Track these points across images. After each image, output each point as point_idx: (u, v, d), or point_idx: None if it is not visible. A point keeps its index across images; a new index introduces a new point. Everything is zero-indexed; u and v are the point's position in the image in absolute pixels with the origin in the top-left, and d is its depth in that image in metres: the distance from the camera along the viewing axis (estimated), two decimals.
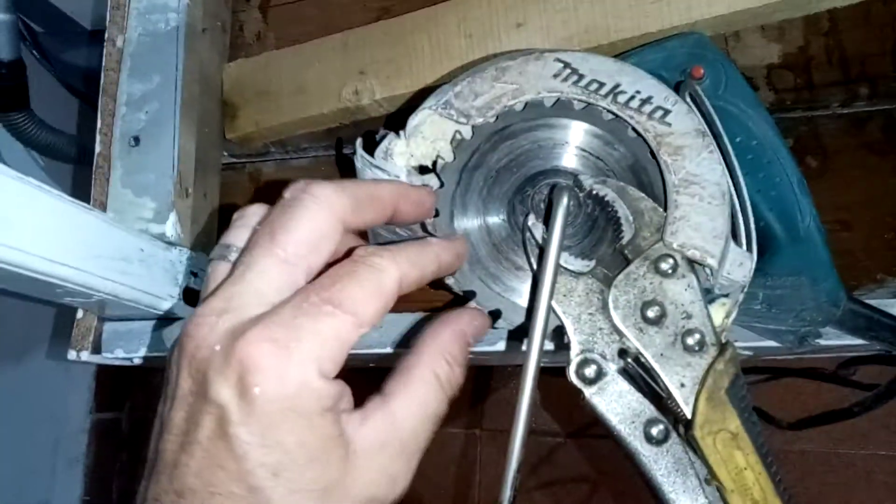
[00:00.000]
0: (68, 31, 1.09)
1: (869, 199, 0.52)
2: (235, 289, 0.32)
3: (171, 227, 0.54)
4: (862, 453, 1.27)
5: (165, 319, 0.55)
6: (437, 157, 0.41)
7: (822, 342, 0.46)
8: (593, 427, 1.38)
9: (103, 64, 0.59)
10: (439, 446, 1.49)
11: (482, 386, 1.48)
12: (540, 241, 0.38)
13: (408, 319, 0.52)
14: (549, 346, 0.39)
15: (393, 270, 0.32)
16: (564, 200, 0.36)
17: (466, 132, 0.40)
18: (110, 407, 1.57)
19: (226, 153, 0.64)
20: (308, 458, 0.30)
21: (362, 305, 0.31)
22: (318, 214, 0.32)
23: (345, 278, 0.32)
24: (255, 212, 0.35)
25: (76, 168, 1.16)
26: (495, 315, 0.40)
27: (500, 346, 0.49)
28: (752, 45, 0.56)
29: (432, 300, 0.55)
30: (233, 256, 0.34)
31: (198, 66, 0.59)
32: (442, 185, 0.40)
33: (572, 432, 1.39)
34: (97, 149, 0.57)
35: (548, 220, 0.38)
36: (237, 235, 0.34)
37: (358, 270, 0.32)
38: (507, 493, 0.34)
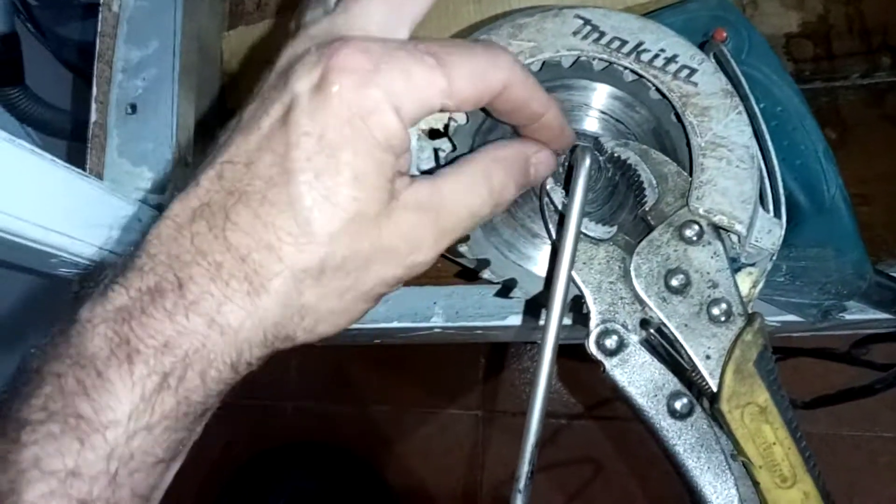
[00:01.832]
0: (63, 4, 1.06)
1: (889, 173, 0.50)
2: (339, 20, 0.31)
3: (169, 198, 0.52)
4: (867, 435, 1.27)
5: None
6: (450, 119, 0.39)
7: (846, 316, 0.45)
8: (597, 408, 1.37)
9: (99, 29, 0.57)
10: (443, 428, 1.49)
11: (485, 368, 1.47)
12: (559, 206, 0.36)
13: (415, 294, 0.51)
14: (566, 319, 0.37)
15: (507, 69, 0.32)
16: (586, 163, 0.35)
17: None
18: None
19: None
20: (353, 177, 0.29)
21: (460, 79, 0.30)
22: None
23: (460, 46, 0.31)
24: None
25: (70, 144, 1.14)
26: (510, 285, 0.38)
27: (513, 320, 0.47)
28: (770, 14, 0.55)
29: (439, 275, 0.53)
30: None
31: (196, 33, 0.57)
32: (455, 148, 0.38)
33: (576, 414, 1.39)
34: (92, 117, 0.55)
35: (567, 185, 0.36)
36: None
37: (476, 48, 0.32)
38: (525, 468, 0.32)
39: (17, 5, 1.04)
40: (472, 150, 0.39)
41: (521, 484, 0.32)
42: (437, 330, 0.51)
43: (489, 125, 0.39)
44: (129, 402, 0.27)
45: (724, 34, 0.44)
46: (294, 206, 0.28)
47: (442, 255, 0.49)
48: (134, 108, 0.55)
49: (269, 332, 0.29)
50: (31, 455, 0.26)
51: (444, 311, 0.50)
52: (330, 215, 0.29)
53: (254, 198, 0.29)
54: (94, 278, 0.30)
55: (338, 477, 1.44)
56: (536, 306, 0.43)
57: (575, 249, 0.34)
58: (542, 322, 0.35)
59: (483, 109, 0.33)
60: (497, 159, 0.34)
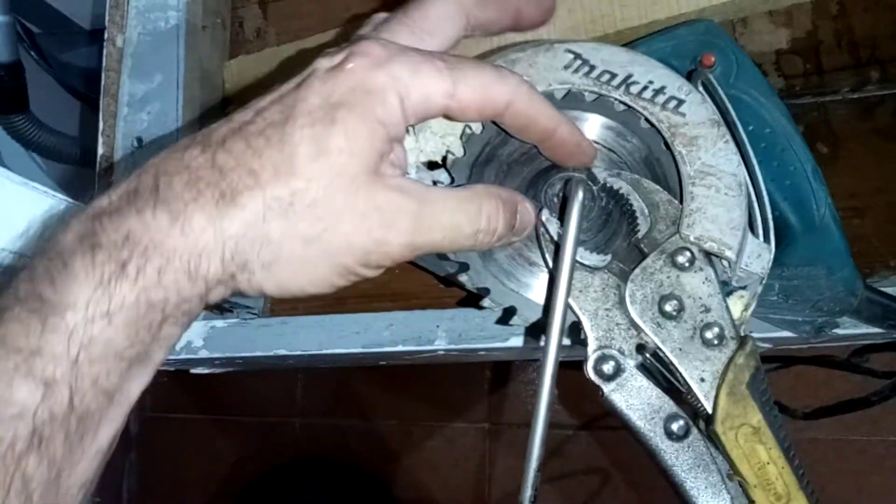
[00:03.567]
0: (66, 32, 1.08)
1: (881, 185, 0.51)
2: (369, 36, 0.35)
3: None
4: (874, 440, 1.27)
5: None
6: (447, 152, 0.40)
7: (839, 331, 0.46)
8: (604, 419, 1.38)
9: (104, 64, 0.58)
10: (450, 441, 1.50)
11: (491, 381, 1.48)
12: (554, 236, 0.37)
13: (418, 317, 0.52)
14: (566, 341, 0.38)
15: (513, 85, 0.35)
16: (580, 195, 0.36)
17: (476, 126, 0.39)
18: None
19: None
20: (344, 131, 0.31)
21: (466, 85, 0.33)
22: (444, 1, 0.37)
23: (470, 60, 0.35)
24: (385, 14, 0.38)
25: (77, 170, 1.15)
26: (510, 312, 0.40)
27: (514, 342, 0.48)
28: (760, 31, 0.55)
29: (442, 297, 0.54)
30: None
31: (199, 64, 0.59)
32: (452, 180, 0.39)
33: (582, 425, 1.39)
34: (100, 151, 0.56)
35: (562, 215, 0.37)
36: (366, 29, 0.38)
37: (485, 64, 0.35)
38: (528, 492, 0.33)
39: (21, 34, 1.05)
40: (469, 181, 0.40)
41: None
42: (440, 352, 0.52)
43: (486, 157, 0.40)
44: (88, 287, 0.28)
45: (713, 59, 0.45)
46: (284, 142, 0.31)
47: (442, 281, 0.50)
48: (140, 141, 0.56)
49: (228, 248, 0.30)
50: None
51: (447, 334, 0.51)
52: (314, 154, 0.31)
53: (251, 132, 0.31)
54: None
55: (347, 492, 1.45)
56: (537, 328, 0.44)
57: (571, 279, 0.35)
58: (542, 343, 0.36)
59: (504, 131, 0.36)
60: (493, 193, 0.36)
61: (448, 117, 0.35)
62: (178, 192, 0.30)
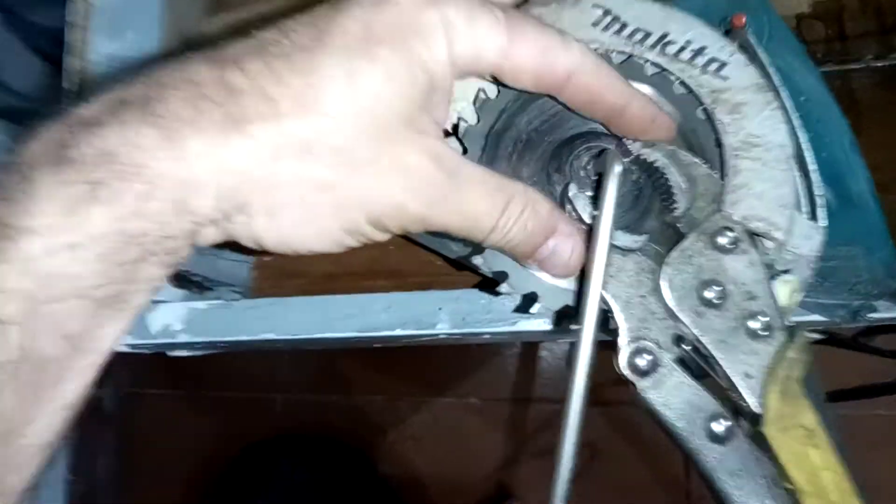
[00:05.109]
0: None
1: None
2: None
3: None
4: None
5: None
6: (459, 119, 0.35)
7: (875, 315, 0.43)
8: (592, 393, 1.36)
9: (68, 19, 0.53)
10: (436, 416, 1.47)
11: (479, 355, 1.46)
12: (582, 213, 0.34)
13: (418, 299, 0.48)
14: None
15: (577, 54, 0.31)
16: (616, 169, 0.32)
17: (491, 91, 0.35)
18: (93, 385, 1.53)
19: None
20: (384, 73, 0.27)
21: (523, 45, 0.29)
22: None
23: (534, 20, 0.31)
24: None
25: None
26: (530, 299, 0.36)
27: (523, 326, 0.45)
28: None
29: (440, 273, 0.51)
30: None
31: (177, 22, 0.54)
32: (465, 151, 0.35)
33: None
34: None
35: (592, 191, 0.33)
36: None
37: (549, 28, 0.31)
38: None
39: None
40: (484, 152, 0.36)
41: None
42: (442, 336, 0.49)
43: (502, 126, 0.36)
44: (52, 210, 0.24)
45: (743, 20, 0.41)
46: (312, 71, 0.26)
47: (454, 264, 0.46)
48: None
49: (226, 183, 0.26)
50: None
51: (450, 317, 0.47)
52: (347, 95, 0.27)
53: (273, 53, 0.27)
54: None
55: (331, 468, 1.43)
56: (561, 317, 0.40)
57: (607, 263, 0.31)
58: (572, 338, 0.33)
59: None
60: (531, 200, 0.31)
61: (496, 80, 0.31)
62: (173, 108, 0.25)
